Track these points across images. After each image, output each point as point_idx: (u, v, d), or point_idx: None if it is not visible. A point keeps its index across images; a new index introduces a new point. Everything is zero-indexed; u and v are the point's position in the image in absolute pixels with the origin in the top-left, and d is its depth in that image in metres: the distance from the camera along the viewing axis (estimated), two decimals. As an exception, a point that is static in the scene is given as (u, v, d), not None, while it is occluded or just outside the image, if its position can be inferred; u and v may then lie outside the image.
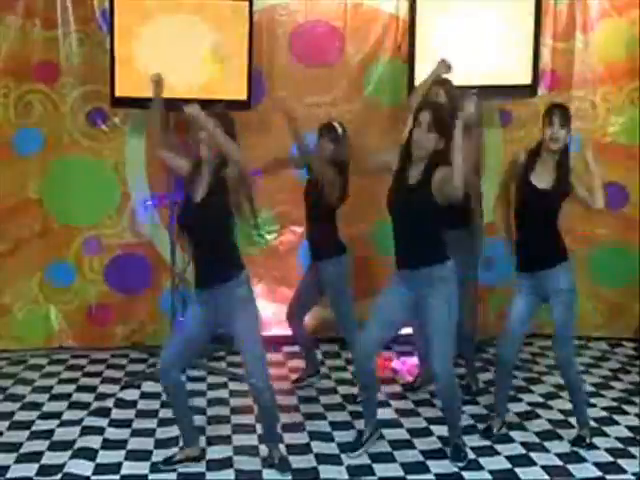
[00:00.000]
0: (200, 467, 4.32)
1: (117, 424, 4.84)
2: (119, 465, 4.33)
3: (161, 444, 4.55)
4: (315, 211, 5.23)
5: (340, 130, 5.18)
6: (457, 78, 5.72)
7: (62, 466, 4.28)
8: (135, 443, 4.57)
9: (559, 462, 4.40)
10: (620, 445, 4.61)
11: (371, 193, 6.29)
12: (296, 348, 5.90)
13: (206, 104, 5.53)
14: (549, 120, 4.38)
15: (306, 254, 5.60)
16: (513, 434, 4.73)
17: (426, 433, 4.78)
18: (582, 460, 4.42)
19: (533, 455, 4.48)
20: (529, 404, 5.22)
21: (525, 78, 5.86)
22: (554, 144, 4.38)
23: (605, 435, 4.73)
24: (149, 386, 5.42)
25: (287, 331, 5.55)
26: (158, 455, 4.42)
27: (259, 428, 4.80)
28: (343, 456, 4.46)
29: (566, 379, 4.61)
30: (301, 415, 5.04)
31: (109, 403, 5.16)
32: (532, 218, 4.46)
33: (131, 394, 5.32)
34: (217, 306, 4.12)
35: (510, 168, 4.64)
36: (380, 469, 4.32)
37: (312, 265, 5.36)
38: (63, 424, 4.83)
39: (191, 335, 4.21)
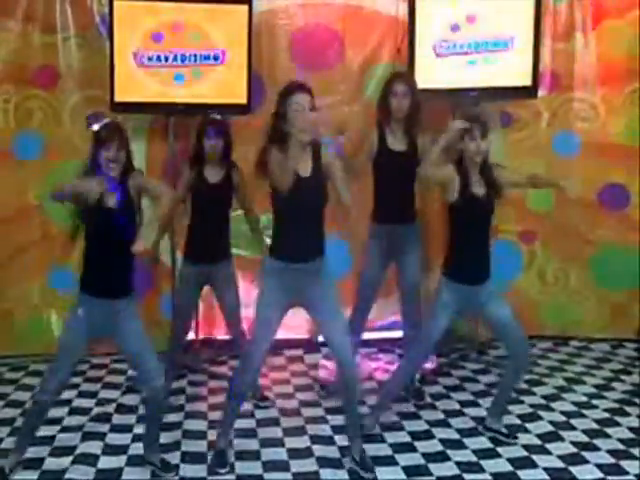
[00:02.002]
0: (202, 472, 4.32)
1: (118, 429, 4.84)
2: (120, 470, 4.33)
3: (162, 449, 4.52)
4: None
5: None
6: (457, 80, 5.76)
7: (63, 472, 4.28)
8: (136, 448, 4.54)
9: (561, 464, 4.39)
10: (622, 446, 4.59)
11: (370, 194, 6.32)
12: (297, 352, 5.93)
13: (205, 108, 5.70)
14: (471, 134, 4.39)
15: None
16: (515, 436, 4.74)
17: (428, 436, 4.77)
18: (584, 462, 4.41)
19: (535, 457, 4.47)
20: (531, 406, 5.20)
21: (525, 79, 5.85)
22: (479, 157, 4.41)
23: (607, 436, 4.72)
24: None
25: (288, 334, 5.54)
26: (159, 460, 4.42)
27: (260, 432, 4.82)
28: (344, 460, 4.44)
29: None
30: (302, 419, 5.03)
31: (110, 408, 5.17)
32: (476, 227, 4.52)
33: (132, 399, 5.29)
34: (301, 282, 4.18)
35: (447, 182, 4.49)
36: (382, 472, 4.31)
37: None
38: (64, 430, 4.83)
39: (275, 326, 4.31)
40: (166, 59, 5.59)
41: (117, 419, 4.99)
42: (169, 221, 4.81)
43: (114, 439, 4.70)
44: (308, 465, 4.40)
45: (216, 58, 5.63)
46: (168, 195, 4.16)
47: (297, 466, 4.37)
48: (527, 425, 4.89)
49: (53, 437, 4.72)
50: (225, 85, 5.69)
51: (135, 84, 5.58)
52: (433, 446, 4.64)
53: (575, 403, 5.24)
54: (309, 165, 4.12)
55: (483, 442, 4.67)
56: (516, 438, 4.67)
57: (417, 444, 4.66)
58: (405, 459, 4.47)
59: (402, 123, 5.08)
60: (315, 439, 4.71)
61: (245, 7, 5.65)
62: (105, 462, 4.42)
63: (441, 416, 5.04)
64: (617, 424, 4.91)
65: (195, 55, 5.60)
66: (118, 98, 5.57)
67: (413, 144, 5.07)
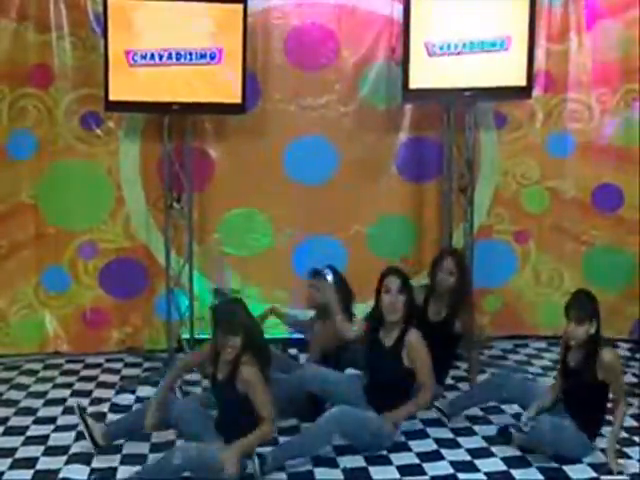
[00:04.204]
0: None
1: (112, 428, 4.82)
2: (114, 470, 4.30)
3: (156, 448, 4.51)
4: None
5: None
6: (452, 80, 5.77)
7: (57, 471, 4.26)
8: (130, 447, 4.53)
9: (555, 464, 4.38)
10: (616, 446, 4.58)
11: (367, 194, 6.33)
12: (292, 351, 5.93)
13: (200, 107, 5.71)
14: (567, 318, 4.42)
15: (300, 257, 5.58)
16: (509, 435, 4.73)
17: (422, 435, 4.77)
18: (578, 461, 4.40)
19: (529, 456, 4.45)
20: (524, 406, 5.19)
21: (520, 80, 5.85)
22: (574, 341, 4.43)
23: (601, 436, 4.72)
24: (144, 390, 5.40)
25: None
26: (153, 460, 4.39)
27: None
28: (338, 459, 4.43)
29: None
30: (296, 418, 5.02)
31: (104, 408, 5.15)
32: None
33: (126, 399, 5.30)
34: None
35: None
36: (376, 472, 4.30)
37: None
38: (58, 429, 4.81)
39: None
40: (160, 57, 5.56)
41: (111, 418, 4.96)
42: None
43: (108, 438, 4.69)
44: (302, 464, 4.37)
45: (212, 57, 5.61)
46: (269, 427, 4.26)
47: (291, 466, 4.35)
48: (521, 425, 4.87)
49: (47, 436, 4.71)
50: (220, 84, 5.68)
51: (130, 83, 5.56)
52: (427, 445, 4.63)
53: (569, 403, 5.24)
54: (392, 339, 4.64)
55: (477, 441, 4.67)
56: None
57: (411, 443, 4.65)
58: (399, 458, 4.46)
59: None
60: (309, 438, 4.71)
61: (240, 6, 5.63)
62: (99, 461, 4.38)
63: (435, 415, 5.03)
64: (611, 424, 4.88)
65: (190, 54, 5.58)
66: (112, 97, 5.55)
67: None
